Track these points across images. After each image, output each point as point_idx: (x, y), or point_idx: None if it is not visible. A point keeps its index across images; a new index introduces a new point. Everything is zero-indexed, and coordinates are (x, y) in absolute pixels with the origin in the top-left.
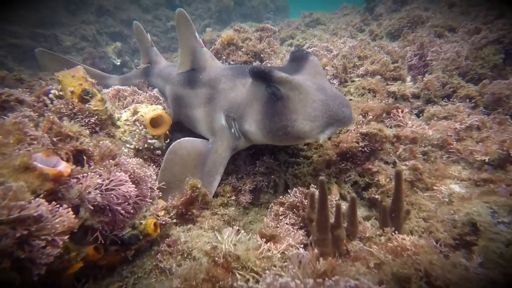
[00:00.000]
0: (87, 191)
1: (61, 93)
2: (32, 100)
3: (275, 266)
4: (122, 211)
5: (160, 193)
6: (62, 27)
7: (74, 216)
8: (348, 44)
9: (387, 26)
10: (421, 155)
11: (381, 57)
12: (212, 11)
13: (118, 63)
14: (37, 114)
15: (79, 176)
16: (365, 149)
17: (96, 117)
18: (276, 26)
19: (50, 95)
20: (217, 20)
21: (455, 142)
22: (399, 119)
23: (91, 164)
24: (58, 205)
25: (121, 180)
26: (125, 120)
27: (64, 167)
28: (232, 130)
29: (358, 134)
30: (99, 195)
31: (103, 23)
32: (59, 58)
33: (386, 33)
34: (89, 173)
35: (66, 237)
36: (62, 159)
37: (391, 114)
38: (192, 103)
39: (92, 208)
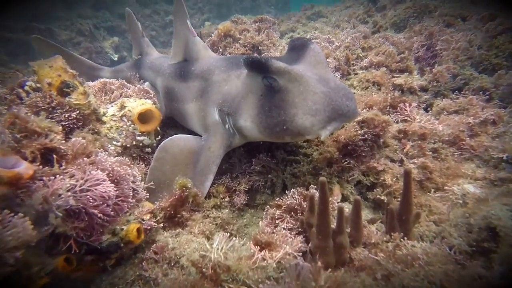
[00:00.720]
0: (57, 195)
1: (38, 85)
2: (4, 92)
3: (269, 278)
4: (99, 214)
5: (148, 194)
6: (58, 21)
7: (32, 226)
8: (351, 35)
9: (392, 16)
10: (430, 152)
11: (386, 48)
12: (212, 5)
13: (116, 58)
14: (6, 108)
15: (45, 178)
16: (366, 136)
17: (78, 111)
18: (276, 19)
19: (26, 87)
20: (217, 14)
21: (468, 138)
22: (406, 113)
23: (62, 163)
24: (12, 214)
25: (97, 180)
26: (111, 116)
27: (25, 168)
28: (226, 126)
29: (355, 124)
30: (72, 197)
31: (100, 17)
32: (56, 47)
33: (391, 24)
34: (59, 175)
35: (20, 252)
36: (26, 158)
37: (398, 108)
38: (184, 96)
39: (60, 214)
